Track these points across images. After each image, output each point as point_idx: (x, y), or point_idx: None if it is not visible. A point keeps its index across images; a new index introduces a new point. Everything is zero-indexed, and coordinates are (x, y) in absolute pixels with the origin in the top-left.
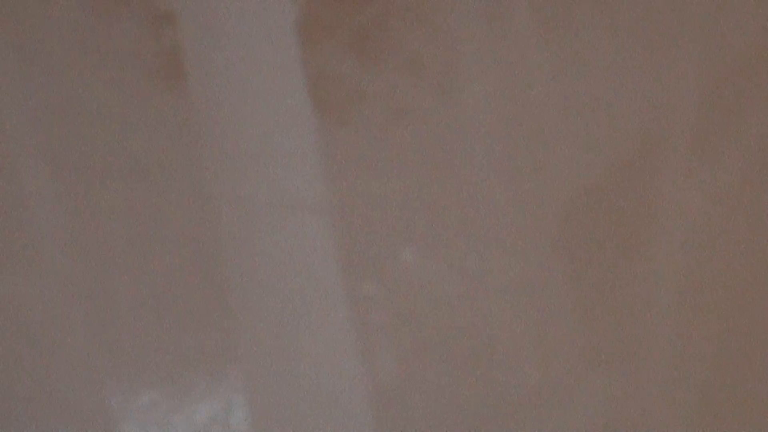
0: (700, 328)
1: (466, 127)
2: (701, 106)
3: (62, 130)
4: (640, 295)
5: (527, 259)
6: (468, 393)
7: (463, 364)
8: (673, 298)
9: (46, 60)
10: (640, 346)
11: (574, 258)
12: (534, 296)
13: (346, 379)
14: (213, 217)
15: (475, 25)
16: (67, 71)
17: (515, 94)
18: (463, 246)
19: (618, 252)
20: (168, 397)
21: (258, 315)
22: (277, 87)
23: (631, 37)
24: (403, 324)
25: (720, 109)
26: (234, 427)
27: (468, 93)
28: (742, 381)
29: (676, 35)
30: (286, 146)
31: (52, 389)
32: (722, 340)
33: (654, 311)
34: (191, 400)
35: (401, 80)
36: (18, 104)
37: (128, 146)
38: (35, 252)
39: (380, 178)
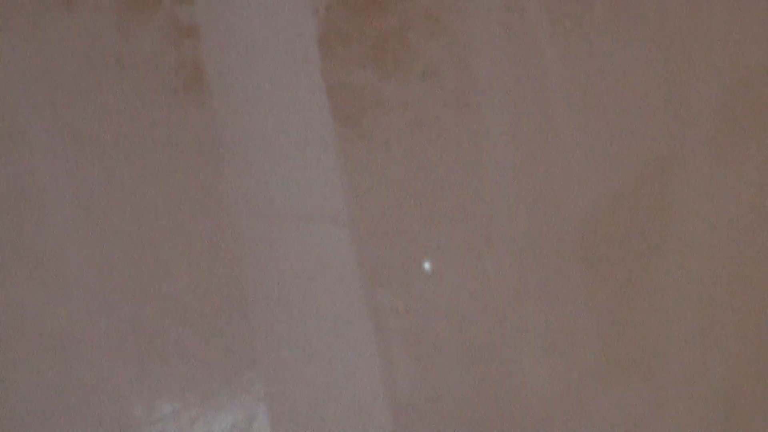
0: (722, 339)
1: (485, 137)
2: (720, 115)
3: (82, 142)
4: (660, 305)
5: (547, 269)
6: (487, 402)
7: (482, 374)
8: (694, 307)
9: (65, 73)
10: (661, 357)
11: (594, 268)
12: (554, 306)
13: (367, 388)
14: (234, 228)
15: (493, 37)
16: (87, 84)
17: (534, 104)
18: (483, 255)
19: (638, 261)
20: (189, 406)
21: (278, 325)
22: (297, 98)
23: (651, 47)
24: (423, 333)
25: (740, 117)
26: None
27: (486, 103)
28: (766, 393)
29: (694, 44)
30: (306, 157)
31: (74, 398)
32: (745, 351)
33: (675, 321)
34: (212, 408)
35: (420, 91)
36: (39, 117)
37: (149, 158)
38: (57, 262)
39: (399, 188)
